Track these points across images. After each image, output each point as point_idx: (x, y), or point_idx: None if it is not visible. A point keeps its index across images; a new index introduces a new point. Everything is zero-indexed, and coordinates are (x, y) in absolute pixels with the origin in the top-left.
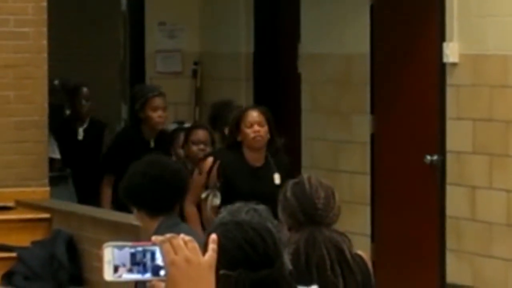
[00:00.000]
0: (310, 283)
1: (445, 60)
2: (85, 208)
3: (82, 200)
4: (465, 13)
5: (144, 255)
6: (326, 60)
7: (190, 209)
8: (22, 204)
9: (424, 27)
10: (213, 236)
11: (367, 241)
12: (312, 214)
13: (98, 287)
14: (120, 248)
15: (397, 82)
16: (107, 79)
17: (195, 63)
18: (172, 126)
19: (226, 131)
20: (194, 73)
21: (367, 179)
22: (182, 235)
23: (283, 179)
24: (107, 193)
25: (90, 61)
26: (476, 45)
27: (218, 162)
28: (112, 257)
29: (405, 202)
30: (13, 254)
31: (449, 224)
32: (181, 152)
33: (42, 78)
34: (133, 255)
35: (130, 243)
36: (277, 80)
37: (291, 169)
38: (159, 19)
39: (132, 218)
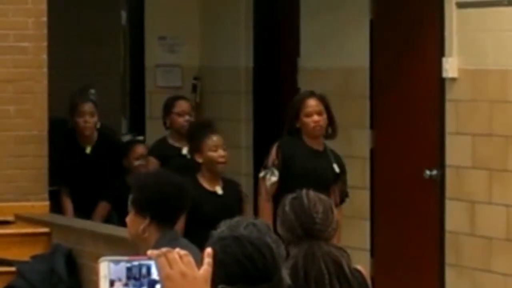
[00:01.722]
0: None
1: (444, 75)
2: (84, 222)
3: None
4: (465, 28)
5: (140, 270)
6: (325, 74)
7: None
8: (21, 219)
9: (424, 42)
10: (208, 250)
11: (367, 255)
12: (311, 229)
13: None
14: (116, 262)
15: (397, 97)
16: (107, 92)
17: (195, 78)
18: (126, 138)
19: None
20: (194, 88)
21: (367, 193)
22: (177, 249)
23: (340, 172)
24: (67, 204)
25: (90, 75)
26: (476, 60)
27: (277, 143)
28: (108, 272)
29: (404, 216)
30: (13, 269)
31: (448, 238)
32: (134, 164)
33: (42, 93)
34: (129, 270)
35: (126, 258)
36: (276, 94)
37: (345, 169)
38: (159, 34)
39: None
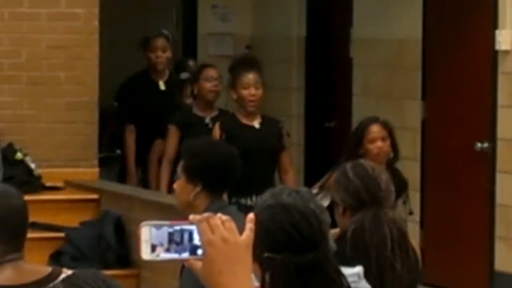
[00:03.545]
0: (367, 262)
1: (497, 47)
2: (133, 189)
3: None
4: None
5: (181, 235)
6: (378, 45)
7: None
8: (71, 185)
9: (477, 14)
10: (251, 216)
11: (416, 227)
12: (376, 195)
13: (145, 268)
14: (158, 227)
15: (449, 69)
16: None
17: (247, 47)
18: (184, 76)
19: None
20: None
21: (418, 165)
22: (219, 215)
23: (398, 194)
24: (131, 141)
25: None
26: None
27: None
28: (150, 236)
29: (455, 189)
30: (61, 234)
31: (498, 212)
32: (188, 102)
33: (93, 59)
34: (170, 235)
35: (167, 222)
36: (328, 64)
37: (407, 187)
38: (212, 2)
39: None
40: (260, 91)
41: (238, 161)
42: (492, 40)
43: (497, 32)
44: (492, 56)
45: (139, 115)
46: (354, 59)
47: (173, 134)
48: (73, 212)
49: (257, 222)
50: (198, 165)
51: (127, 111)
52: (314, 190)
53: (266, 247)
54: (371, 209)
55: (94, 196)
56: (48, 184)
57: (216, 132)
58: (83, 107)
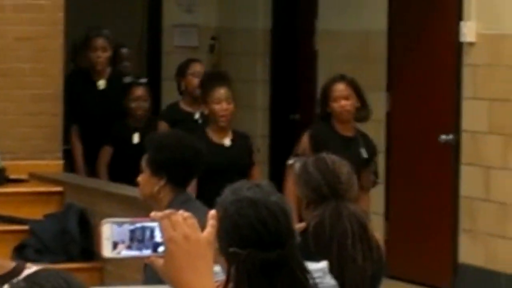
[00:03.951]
0: (329, 256)
1: (462, 39)
2: (98, 182)
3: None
4: None
5: (143, 232)
6: (343, 37)
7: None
8: (35, 177)
9: (442, 6)
10: (212, 212)
11: (381, 219)
12: (337, 188)
13: (109, 261)
14: (119, 224)
15: (414, 60)
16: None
17: (213, 38)
18: (127, 79)
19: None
20: (211, 48)
21: (382, 157)
22: (181, 211)
23: (369, 157)
24: (77, 142)
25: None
26: (494, 24)
27: (308, 131)
28: (111, 234)
29: (419, 181)
30: (25, 227)
31: (463, 204)
32: (134, 104)
33: (58, 51)
34: (132, 232)
35: (129, 220)
36: (294, 56)
37: (376, 153)
38: None
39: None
40: (231, 106)
41: (202, 154)
42: (456, 32)
43: (462, 23)
44: (457, 48)
45: (81, 115)
46: (319, 51)
47: (164, 130)
48: (37, 204)
49: (224, 216)
50: (163, 158)
51: (68, 111)
52: (291, 161)
53: (232, 242)
54: (331, 203)
55: (58, 188)
56: (12, 176)
57: None
58: (48, 99)
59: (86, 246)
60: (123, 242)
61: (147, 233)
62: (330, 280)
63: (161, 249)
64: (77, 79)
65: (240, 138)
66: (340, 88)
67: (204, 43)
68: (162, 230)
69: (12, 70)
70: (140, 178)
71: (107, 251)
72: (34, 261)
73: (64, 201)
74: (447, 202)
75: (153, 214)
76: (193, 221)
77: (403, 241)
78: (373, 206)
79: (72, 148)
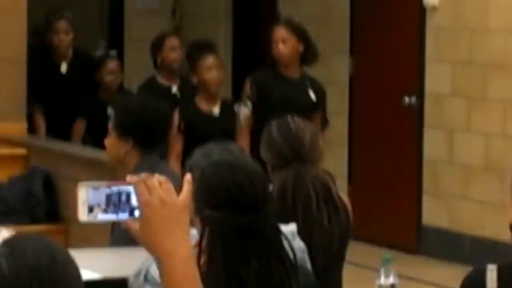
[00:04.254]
0: (295, 220)
1: (425, 2)
2: (62, 144)
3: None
4: None
5: (119, 196)
6: (305, 0)
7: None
8: None
9: None
10: (188, 176)
11: (344, 182)
12: (299, 152)
13: (74, 224)
14: (95, 188)
15: (377, 24)
16: (85, 14)
17: (175, 1)
18: (99, 52)
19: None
20: (173, 11)
21: (345, 120)
22: (157, 176)
23: (318, 100)
24: (40, 121)
25: None
26: None
27: (250, 76)
28: (87, 198)
29: (383, 143)
30: None
31: (426, 166)
32: (106, 79)
33: (20, 14)
34: (108, 196)
35: (105, 183)
36: (256, 18)
37: (325, 97)
38: None
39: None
40: (222, 73)
41: (168, 117)
42: None
43: None
44: (420, 11)
45: (44, 96)
46: (281, 13)
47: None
48: (1, 167)
49: (201, 178)
50: (129, 121)
51: (33, 91)
52: (236, 107)
53: (207, 204)
54: (294, 167)
55: (23, 151)
56: None
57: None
58: (11, 62)
59: (51, 209)
60: (99, 205)
61: (123, 196)
62: (299, 242)
63: (137, 213)
64: (39, 60)
65: (227, 106)
66: (278, 31)
67: (166, 6)
68: (138, 194)
69: None
70: (106, 141)
71: (83, 215)
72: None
73: (28, 163)
74: (411, 164)
75: (129, 178)
76: (169, 185)
77: (367, 204)
78: (337, 169)
79: (35, 127)
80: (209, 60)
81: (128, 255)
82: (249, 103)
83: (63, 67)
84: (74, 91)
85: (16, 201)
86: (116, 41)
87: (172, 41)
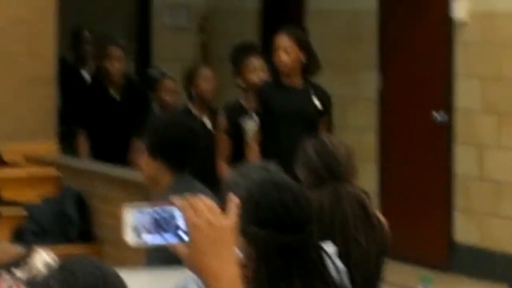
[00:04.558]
0: (332, 239)
1: (454, 17)
2: (94, 164)
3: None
4: None
5: (165, 218)
6: (333, 16)
7: (223, 166)
8: (31, 160)
9: None
10: (236, 200)
11: (375, 199)
12: (335, 170)
13: (107, 243)
14: (141, 210)
15: (406, 39)
16: (115, 31)
17: (202, 18)
18: (152, 72)
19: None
20: (201, 28)
21: (374, 136)
22: (202, 197)
23: (323, 108)
24: (84, 146)
25: (98, 13)
26: (486, 2)
27: (255, 92)
28: (133, 220)
29: (412, 159)
30: (23, 211)
31: (457, 182)
32: (169, 97)
33: (51, 34)
34: (154, 218)
35: (151, 206)
36: None
37: (331, 104)
38: None
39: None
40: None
41: (198, 136)
42: (448, 9)
43: (454, 1)
44: (449, 25)
45: (91, 121)
46: (309, 31)
47: None
48: (34, 187)
49: (247, 197)
50: (157, 140)
51: (79, 115)
52: (243, 121)
53: (253, 222)
54: (330, 186)
55: (55, 171)
56: (7, 159)
57: (223, 121)
58: (41, 82)
59: (85, 229)
60: (145, 228)
61: (169, 219)
62: (339, 264)
63: (183, 235)
64: (94, 89)
65: None
66: (280, 39)
67: (194, 23)
68: (185, 217)
69: (6, 53)
70: (140, 161)
71: (129, 237)
72: (33, 244)
73: (60, 183)
74: (441, 180)
75: (174, 200)
76: (215, 207)
77: (398, 221)
78: (366, 185)
79: (79, 151)
80: (253, 61)
81: (162, 276)
82: (255, 117)
83: (116, 93)
84: (126, 118)
85: (49, 221)
86: (143, 57)
87: (206, 73)
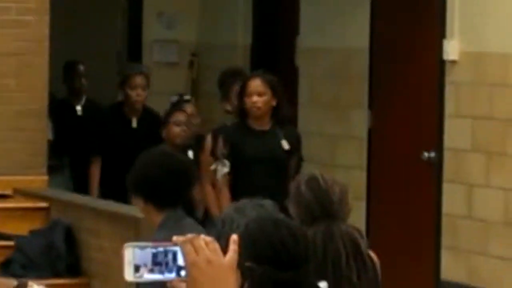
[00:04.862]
0: (324, 277)
1: (445, 57)
2: (83, 198)
3: (79, 184)
4: (466, 10)
5: (165, 256)
6: (324, 54)
7: (208, 189)
8: (20, 193)
9: (425, 24)
10: (234, 237)
11: None
12: (328, 208)
13: (96, 277)
14: (141, 248)
15: (396, 78)
16: (105, 67)
17: (192, 54)
18: (173, 98)
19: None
20: (191, 64)
21: (364, 174)
22: (203, 236)
23: (292, 148)
24: (96, 175)
25: (87, 49)
26: (477, 43)
27: (222, 134)
28: (133, 257)
29: (401, 198)
30: (11, 243)
31: (445, 221)
32: (178, 130)
33: (43, 67)
34: (154, 255)
35: (151, 243)
36: (274, 73)
37: (300, 141)
38: (158, 9)
39: (131, 209)
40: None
41: (181, 173)
42: (440, 49)
43: (445, 41)
44: (440, 66)
45: (108, 149)
46: (300, 68)
47: None
48: (23, 220)
49: (244, 232)
50: (137, 181)
51: (96, 143)
52: (212, 167)
53: (249, 257)
54: (323, 223)
55: (44, 204)
56: None
57: (209, 143)
58: (32, 114)
59: (73, 262)
60: (145, 265)
61: (169, 256)
62: None
63: (183, 273)
64: (112, 114)
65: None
66: (254, 83)
67: (184, 59)
68: (185, 255)
69: None
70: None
71: (129, 274)
72: (21, 276)
73: (49, 216)
74: (429, 219)
75: (175, 238)
76: (215, 245)
77: (385, 259)
78: (354, 223)
79: (90, 177)
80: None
81: None
82: (226, 162)
83: (134, 122)
84: (143, 146)
85: (37, 254)
86: None
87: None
